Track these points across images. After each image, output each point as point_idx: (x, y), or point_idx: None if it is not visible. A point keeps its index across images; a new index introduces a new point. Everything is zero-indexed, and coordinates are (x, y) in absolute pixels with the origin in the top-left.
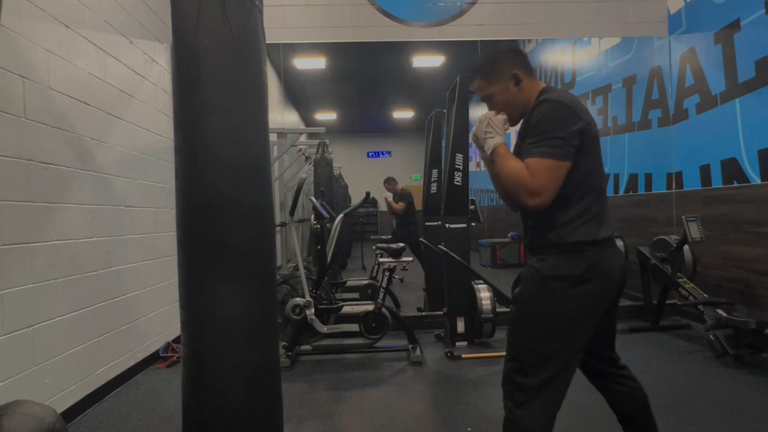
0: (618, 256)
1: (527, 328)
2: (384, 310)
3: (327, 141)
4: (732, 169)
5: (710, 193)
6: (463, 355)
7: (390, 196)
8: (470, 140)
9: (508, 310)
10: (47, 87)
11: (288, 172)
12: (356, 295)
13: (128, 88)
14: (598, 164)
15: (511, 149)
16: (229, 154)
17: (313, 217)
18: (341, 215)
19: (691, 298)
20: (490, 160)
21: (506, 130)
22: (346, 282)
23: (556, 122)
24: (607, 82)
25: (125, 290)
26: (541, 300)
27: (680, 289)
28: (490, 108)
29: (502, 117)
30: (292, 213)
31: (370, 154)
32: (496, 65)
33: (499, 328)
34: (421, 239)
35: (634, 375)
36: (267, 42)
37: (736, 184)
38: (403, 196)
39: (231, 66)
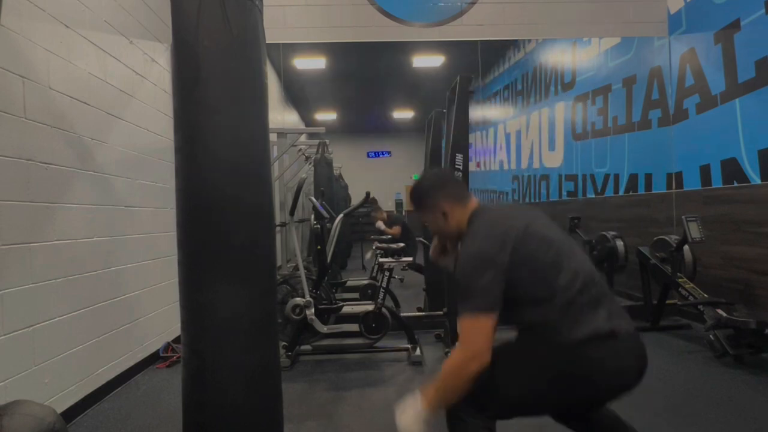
0: (616, 358)
1: (509, 369)
2: (384, 310)
3: (327, 141)
4: (732, 169)
5: (710, 193)
6: None
7: (381, 224)
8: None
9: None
10: (47, 87)
11: (288, 172)
12: (356, 295)
13: (128, 88)
14: (551, 262)
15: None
16: (229, 154)
17: (313, 217)
18: (341, 215)
19: (691, 298)
20: (438, 405)
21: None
22: (346, 282)
23: (471, 275)
24: (607, 82)
25: (125, 290)
26: (530, 357)
27: (680, 289)
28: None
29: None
30: (292, 213)
31: (370, 154)
32: (424, 200)
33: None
34: (420, 239)
35: None
36: (267, 42)
37: (736, 184)
38: (395, 220)
39: (231, 66)
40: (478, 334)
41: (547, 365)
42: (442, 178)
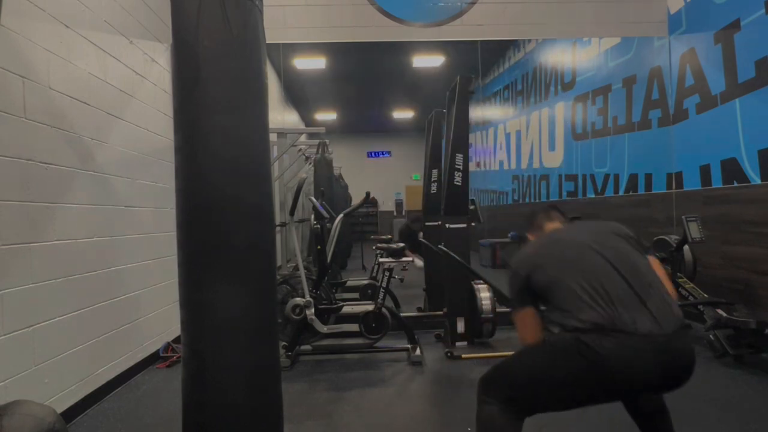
0: (626, 351)
1: (535, 364)
2: (384, 310)
3: (327, 141)
4: (732, 169)
5: (710, 193)
6: (463, 355)
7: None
8: None
9: (509, 309)
10: (47, 87)
11: (288, 172)
12: (356, 295)
13: (128, 88)
14: (565, 277)
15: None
16: (229, 154)
17: (313, 217)
18: (341, 215)
19: (691, 298)
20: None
21: None
22: (346, 282)
23: (509, 285)
24: (607, 82)
25: (125, 290)
26: (555, 353)
27: (680, 289)
28: None
29: None
30: (292, 213)
31: (370, 154)
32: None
33: (499, 328)
34: (421, 240)
35: None
36: (267, 42)
37: (736, 184)
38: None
39: (231, 66)
40: (520, 323)
41: (557, 353)
42: (529, 214)
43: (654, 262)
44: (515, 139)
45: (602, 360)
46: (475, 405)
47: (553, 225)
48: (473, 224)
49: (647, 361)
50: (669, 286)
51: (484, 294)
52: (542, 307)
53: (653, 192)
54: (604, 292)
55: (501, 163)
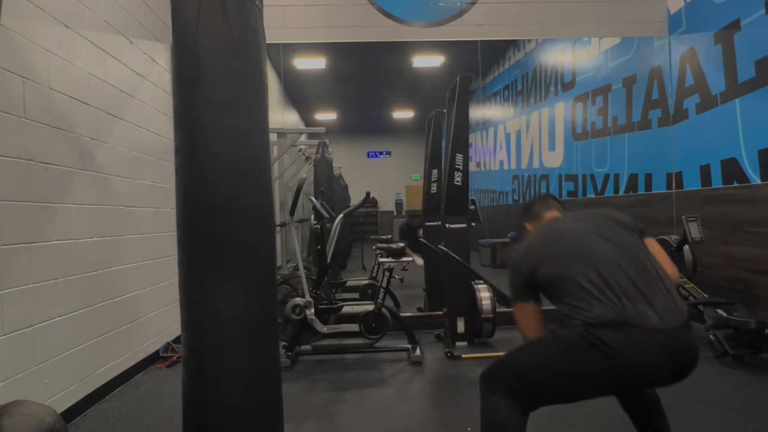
0: (638, 346)
1: (544, 358)
2: (384, 310)
3: (327, 141)
4: (732, 169)
5: (710, 193)
6: (463, 355)
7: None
8: None
9: (509, 309)
10: (47, 87)
11: (288, 172)
12: (356, 295)
13: (128, 88)
14: (571, 271)
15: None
16: (229, 154)
17: (313, 217)
18: (341, 215)
19: (691, 298)
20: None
21: None
22: (346, 282)
23: (509, 275)
24: (607, 82)
25: (125, 290)
26: (556, 346)
27: (680, 289)
28: None
29: None
30: (292, 213)
31: (370, 154)
32: (522, 223)
33: (499, 328)
34: (422, 239)
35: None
36: (267, 42)
37: (736, 184)
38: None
39: (231, 65)
40: (520, 315)
41: (568, 347)
42: (526, 204)
43: (652, 245)
44: (515, 139)
45: (615, 354)
46: (478, 403)
47: (551, 213)
48: (473, 224)
49: (657, 355)
50: (669, 267)
51: (484, 294)
52: (551, 301)
53: (653, 192)
54: (615, 285)
55: (501, 163)
